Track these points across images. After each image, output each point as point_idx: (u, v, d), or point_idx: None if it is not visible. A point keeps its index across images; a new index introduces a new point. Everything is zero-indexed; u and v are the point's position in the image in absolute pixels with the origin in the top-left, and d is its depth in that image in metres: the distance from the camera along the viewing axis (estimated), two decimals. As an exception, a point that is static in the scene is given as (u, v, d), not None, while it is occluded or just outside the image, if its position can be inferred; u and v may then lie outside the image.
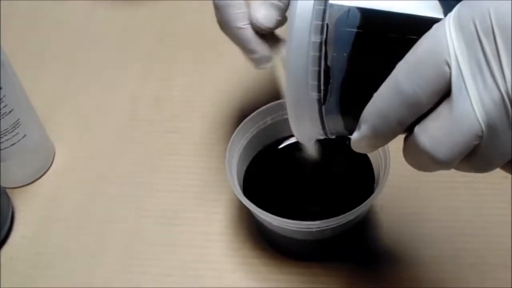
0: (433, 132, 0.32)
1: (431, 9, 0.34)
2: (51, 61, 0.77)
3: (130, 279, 0.56)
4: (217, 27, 0.74)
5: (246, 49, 0.50)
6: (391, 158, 0.52)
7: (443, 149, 0.32)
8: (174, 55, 0.76)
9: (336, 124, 0.38)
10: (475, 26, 0.30)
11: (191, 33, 0.78)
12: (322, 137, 0.41)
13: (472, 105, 0.30)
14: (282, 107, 0.58)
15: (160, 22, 0.81)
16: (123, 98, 0.72)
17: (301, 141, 0.42)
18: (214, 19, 0.71)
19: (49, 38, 0.80)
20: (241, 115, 0.59)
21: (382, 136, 0.35)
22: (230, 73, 0.72)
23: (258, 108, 0.58)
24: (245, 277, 0.55)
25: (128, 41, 0.79)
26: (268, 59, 0.50)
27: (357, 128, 0.36)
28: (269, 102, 0.58)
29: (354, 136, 0.36)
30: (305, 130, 0.40)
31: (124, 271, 0.57)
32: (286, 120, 0.58)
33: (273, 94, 0.52)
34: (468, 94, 0.31)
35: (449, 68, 0.31)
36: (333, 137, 0.41)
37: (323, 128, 0.39)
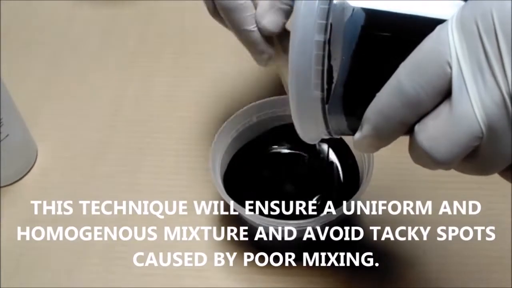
0: (431, 132, 0.32)
1: (442, 9, 0.34)
2: (33, 61, 0.76)
3: (112, 279, 0.56)
4: (199, 27, 0.74)
5: (254, 51, 0.50)
6: (375, 158, 0.53)
7: (441, 149, 0.32)
8: (156, 55, 0.76)
9: (340, 124, 0.38)
10: (477, 25, 0.30)
11: (173, 33, 0.78)
12: (326, 137, 0.41)
13: (472, 105, 0.30)
14: (267, 106, 0.58)
15: (142, 23, 0.80)
16: (105, 98, 0.72)
17: (305, 140, 0.42)
18: (196, 19, 0.71)
19: (32, 38, 0.80)
20: (224, 115, 0.59)
21: (384, 137, 0.35)
22: (212, 72, 0.72)
23: (241, 107, 0.58)
24: (229, 277, 0.55)
25: (110, 41, 0.79)
26: (273, 57, 0.50)
27: (359, 128, 0.36)
28: (252, 101, 0.58)
29: (356, 136, 0.36)
30: (309, 130, 0.40)
31: (107, 271, 0.57)
32: (271, 118, 0.59)
33: (256, 93, 0.52)
34: (468, 94, 0.30)
35: (450, 68, 0.31)
36: (338, 137, 0.40)
37: (327, 127, 0.39)
